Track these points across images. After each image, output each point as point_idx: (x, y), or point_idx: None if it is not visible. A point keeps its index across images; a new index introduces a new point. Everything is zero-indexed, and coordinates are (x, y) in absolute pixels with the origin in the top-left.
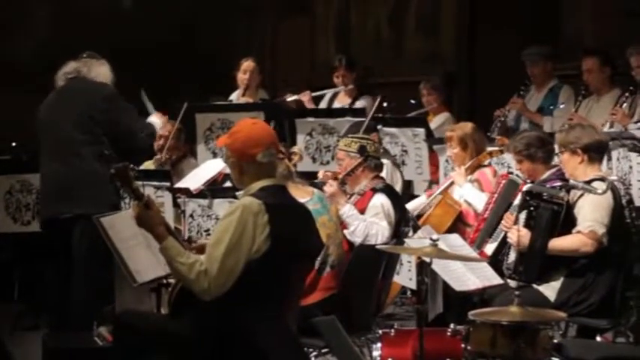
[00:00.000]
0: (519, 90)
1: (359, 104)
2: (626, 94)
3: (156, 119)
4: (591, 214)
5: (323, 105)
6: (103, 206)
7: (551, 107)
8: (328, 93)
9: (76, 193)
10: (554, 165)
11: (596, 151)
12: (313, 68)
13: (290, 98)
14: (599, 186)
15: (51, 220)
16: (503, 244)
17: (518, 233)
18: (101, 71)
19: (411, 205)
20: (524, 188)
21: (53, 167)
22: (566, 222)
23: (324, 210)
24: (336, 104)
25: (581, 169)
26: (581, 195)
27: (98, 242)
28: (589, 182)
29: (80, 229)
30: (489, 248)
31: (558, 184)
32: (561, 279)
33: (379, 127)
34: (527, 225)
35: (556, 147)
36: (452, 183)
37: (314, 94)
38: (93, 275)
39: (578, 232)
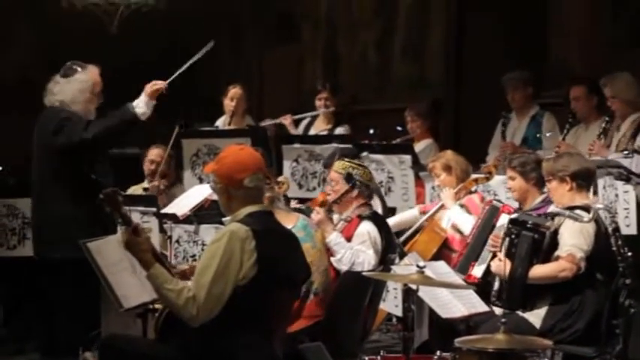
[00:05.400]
0: (501, 120)
1: (338, 132)
2: (603, 125)
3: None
4: (570, 239)
5: (300, 130)
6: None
7: (538, 135)
8: (309, 116)
9: (54, 238)
10: (544, 192)
11: (584, 179)
12: (300, 95)
13: (267, 123)
14: (584, 214)
15: (38, 257)
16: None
17: (498, 262)
18: (65, 89)
19: (401, 217)
20: (510, 217)
21: (35, 207)
22: (552, 250)
23: (307, 238)
24: (313, 131)
25: (569, 197)
26: (563, 222)
27: (84, 280)
28: (572, 208)
29: (64, 270)
30: (478, 270)
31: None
32: (546, 306)
33: (364, 153)
34: (508, 254)
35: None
36: (442, 206)
37: (295, 117)
38: (79, 308)
39: (558, 257)
